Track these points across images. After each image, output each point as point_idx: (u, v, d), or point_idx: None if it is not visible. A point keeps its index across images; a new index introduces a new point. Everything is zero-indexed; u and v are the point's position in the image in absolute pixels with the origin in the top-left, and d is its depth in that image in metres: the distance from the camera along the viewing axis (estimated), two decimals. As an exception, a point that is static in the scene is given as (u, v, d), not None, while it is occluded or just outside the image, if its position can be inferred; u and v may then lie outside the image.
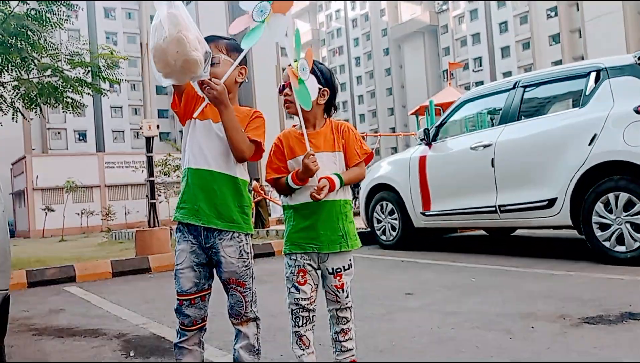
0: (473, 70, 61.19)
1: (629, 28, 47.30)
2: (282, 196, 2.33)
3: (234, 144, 2.10)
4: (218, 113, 2.11)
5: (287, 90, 2.25)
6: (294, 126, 2.36)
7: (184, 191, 2.19)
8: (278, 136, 2.33)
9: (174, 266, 2.19)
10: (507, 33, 57.96)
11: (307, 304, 2.22)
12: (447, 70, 37.82)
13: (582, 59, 50.52)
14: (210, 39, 2.22)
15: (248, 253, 2.19)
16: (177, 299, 2.17)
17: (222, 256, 2.14)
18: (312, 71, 2.23)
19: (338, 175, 2.21)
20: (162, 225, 8.07)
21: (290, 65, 2.17)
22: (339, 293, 2.26)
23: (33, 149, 46.39)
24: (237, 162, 2.17)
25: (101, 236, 19.43)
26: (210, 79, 2.05)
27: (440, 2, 65.74)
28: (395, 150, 68.65)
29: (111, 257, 9.06)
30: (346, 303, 2.28)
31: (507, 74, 57.64)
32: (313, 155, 2.11)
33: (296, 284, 2.23)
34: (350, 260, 2.29)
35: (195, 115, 2.17)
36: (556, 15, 53.42)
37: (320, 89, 2.26)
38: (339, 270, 2.25)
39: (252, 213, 11.89)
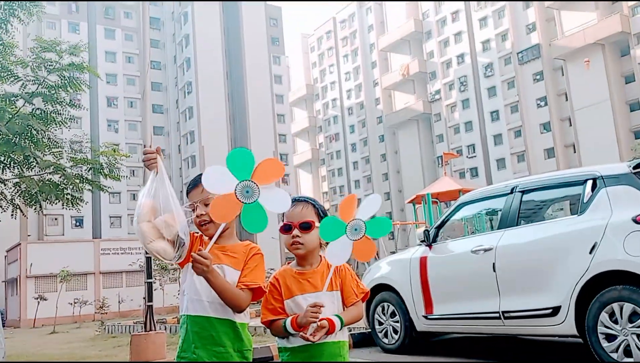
0: (467, 156, 62.21)
1: (618, 117, 48.71)
2: (277, 338, 2.25)
3: (228, 303, 2.10)
4: (212, 256, 2.12)
5: (296, 231, 2.22)
6: (289, 263, 2.35)
7: (183, 338, 2.17)
8: (274, 276, 2.28)
9: None
10: (498, 121, 59.43)
11: None
12: (442, 157, 38.54)
13: (574, 147, 51.66)
14: (201, 179, 2.24)
15: None
16: None
17: None
18: (317, 213, 2.25)
19: (339, 317, 2.16)
20: (157, 314, 7.87)
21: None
22: None
23: (29, 236, 46.14)
24: (236, 312, 2.16)
25: (94, 328, 18.94)
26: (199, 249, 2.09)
27: (433, 93, 67.82)
28: (392, 235, 68.55)
29: (104, 354, 8.81)
30: None
31: (501, 160, 58.65)
32: (322, 307, 2.08)
33: None
34: None
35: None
36: (546, 104, 55.04)
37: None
38: None
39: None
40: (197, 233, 2.30)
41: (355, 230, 2.14)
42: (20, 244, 35.21)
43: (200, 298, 2.14)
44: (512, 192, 5.91)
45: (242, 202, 2.00)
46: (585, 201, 5.15)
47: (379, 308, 7.06)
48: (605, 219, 4.89)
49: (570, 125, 52.74)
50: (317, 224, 2.24)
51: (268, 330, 8.65)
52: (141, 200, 2.07)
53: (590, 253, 4.86)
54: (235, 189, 2.00)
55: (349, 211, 2.16)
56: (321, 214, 2.28)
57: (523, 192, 5.83)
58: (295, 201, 2.26)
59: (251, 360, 2.21)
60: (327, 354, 2.15)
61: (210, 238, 2.19)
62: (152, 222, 2.04)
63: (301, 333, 2.06)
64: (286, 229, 2.22)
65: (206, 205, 2.20)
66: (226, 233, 2.22)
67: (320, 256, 2.31)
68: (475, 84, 61.99)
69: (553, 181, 5.73)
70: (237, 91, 62.02)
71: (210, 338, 2.10)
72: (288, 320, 2.14)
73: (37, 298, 28.06)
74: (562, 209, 7.29)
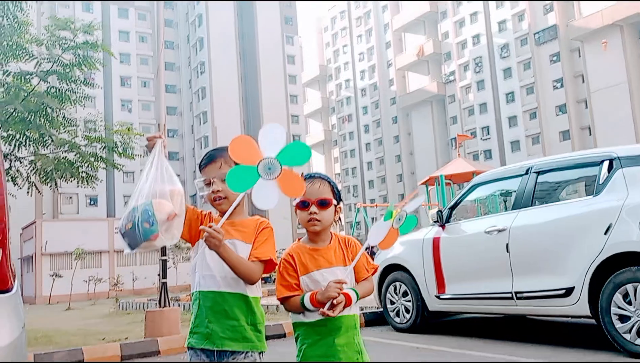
0: (481, 138, 61.77)
1: (635, 99, 47.98)
2: (292, 314, 2.26)
3: (241, 276, 2.11)
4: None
5: (314, 208, 2.21)
6: (299, 239, 2.35)
7: (196, 314, 2.18)
8: (288, 252, 2.26)
9: None
10: (513, 103, 58.85)
11: None
12: (455, 138, 38.24)
13: (590, 129, 51.08)
14: (218, 154, 2.27)
15: None
16: None
17: None
18: (333, 191, 2.26)
19: (354, 290, 2.17)
20: (170, 292, 7.95)
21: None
22: None
23: (44, 214, 46.70)
24: (248, 285, 2.18)
25: (108, 305, 19.20)
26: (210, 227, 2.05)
27: (447, 74, 67.23)
28: (404, 217, 68.38)
29: (118, 330, 8.95)
30: None
31: (515, 143, 58.17)
32: (345, 283, 2.10)
33: None
34: None
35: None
36: (562, 86, 54.37)
37: (335, 206, 2.28)
38: None
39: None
40: (202, 210, 2.31)
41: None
42: (35, 222, 35.64)
43: (212, 274, 2.15)
44: (527, 173, 5.87)
45: (280, 170, 2.00)
46: (601, 182, 5.11)
47: (391, 288, 7.09)
48: (621, 200, 4.84)
49: (587, 107, 52.11)
50: (334, 201, 2.24)
51: (280, 307, 8.74)
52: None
53: (605, 234, 4.83)
54: (269, 174, 1.99)
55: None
56: (336, 191, 2.29)
57: (538, 173, 5.78)
58: (312, 177, 2.26)
59: (264, 334, 2.22)
60: (344, 327, 2.17)
61: (222, 214, 2.20)
62: None
63: (321, 309, 2.06)
64: (303, 205, 2.21)
65: (222, 181, 2.19)
66: (236, 209, 2.23)
67: (331, 233, 2.32)
68: (491, 65, 61.30)
69: (569, 162, 5.67)
70: (250, 72, 61.85)
71: (224, 312, 2.12)
72: (306, 296, 2.13)
73: (52, 276, 28.41)
74: (576, 191, 7.23)
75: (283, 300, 2.21)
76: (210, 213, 2.30)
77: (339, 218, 2.35)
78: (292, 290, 2.19)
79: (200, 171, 2.30)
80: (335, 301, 2.06)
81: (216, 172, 2.22)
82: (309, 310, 2.15)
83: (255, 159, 1.98)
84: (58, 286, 28.61)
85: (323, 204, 2.21)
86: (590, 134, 51.08)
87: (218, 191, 2.20)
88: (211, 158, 2.27)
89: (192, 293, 2.23)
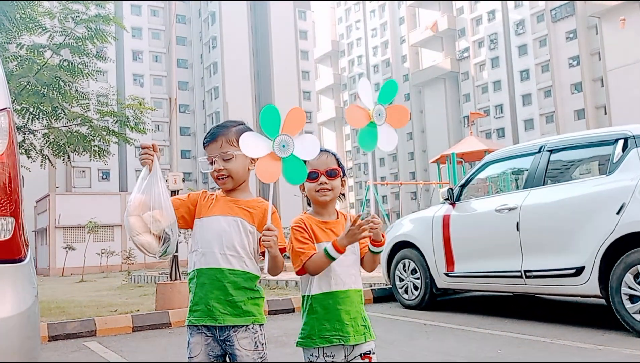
0: (494, 117, 61.25)
1: (652, 78, 47.20)
2: (312, 285, 2.22)
3: (273, 271, 2.15)
4: (225, 208, 2.20)
5: (323, 178, 2.23)
6: (305, 212, 2.35)
7: (195, 292, 2.18)
8: (300, 219, 2.25)
9: (188, 359, 2.17)
10: (528, 81, 58.17)
11: None
12: (468, 117, 37.85)
13: (605, 108, 50.45)
14: (219, 133, 2.26)
15: (263, 344, 2.18)
16: None
17: (237, 349, 2.12)
18: (339, 164, 2.29)
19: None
20: (181, 266, 8.02)
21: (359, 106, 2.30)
22: None
23: (57, 187, 47.12)
24: (247, 261, 2.21)
25: (121, 277, 19.44)
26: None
27: (461, 50, 66.42)
28: (415, 195, 68.42)
29: (130, 302, 9.07)
30: None
31: (529, 121, 57.63)
32: (372, 222, 2.10)
33: None
34: (374, 347, 2.23)
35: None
36: (578, 64, 53.61)
37: (341, 178, 2.30)
38: (367, 352, 2.20)
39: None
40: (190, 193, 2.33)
41: (379, 115, 2.25)
42: (49, 195, 36.00)
43: (212, 251, 2.16)
44: (539, 151, 5.82)
45: (281, 157, 2.08)
46: (615, 161, 5.06)
47: (400, 265, 7.11)
48: (634, 180, 4.79)
49: (603, 86, 51.41)
50: (341, 173, 2.28)
51: (290, 283, 8.76)
52: (133, 195, 2.08)
53: (618, 214, 4.80)
54: (273, 147, 2.07)
55: (360, 116, 2.26)
56: (341, 165, 2.31)
57: (551, 151, 5.73)
58: (320, 151, 2.26)
59: (263, 308, 2.24)
60: (351, 301, 2.19)
61: (227, 192, 2.24)
62: (140, 216, 2.06)
63: (363, 225, 2.06)
64: (312, 177, 2.24)
65: (224, 160, 2.21)
66: (240, 187, 2.25)
67: (337, 211, 2.33)
68: (506, 42, 60.50)
69: (583, 141, 5.61)
70: (261, 47, 61.49)
71: (224, 288, 2.13)
72: (329, 245, 2.11)
73: (65, 248, 28.76)
74: (589, 170, 7.18)
75: (304, 265, 2.17)
76: (205, 190, 2.31)
77: (343, 194, 2.36)
78: (311, 249, 2.17)
79: (205, 149, 2.29)
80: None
81: (217, 151, 2.22)
82: (333, 259, 2.11)
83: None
84: (71, 259, 28.99)
85: (332, 174, 2.24)
86: (606, 113, 50.45)
87: (220, 170, 2.20)
88: (212, 136, 2.26)
89: (190, 272, 2.23)
